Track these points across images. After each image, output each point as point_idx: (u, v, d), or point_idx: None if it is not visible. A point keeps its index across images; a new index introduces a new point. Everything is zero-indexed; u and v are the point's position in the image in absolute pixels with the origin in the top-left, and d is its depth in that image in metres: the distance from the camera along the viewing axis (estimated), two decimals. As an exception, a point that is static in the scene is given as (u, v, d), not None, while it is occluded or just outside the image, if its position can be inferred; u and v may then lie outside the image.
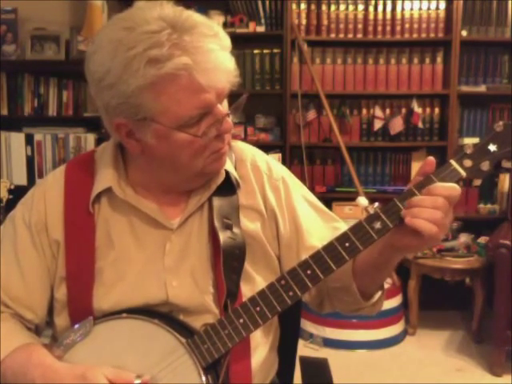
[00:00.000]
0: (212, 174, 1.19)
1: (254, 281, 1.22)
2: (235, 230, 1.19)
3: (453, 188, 1.02)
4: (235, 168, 1.25)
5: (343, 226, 1.26)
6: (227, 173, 1.21)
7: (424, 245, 1.04)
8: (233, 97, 1.14)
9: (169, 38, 1.03)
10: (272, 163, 1.31)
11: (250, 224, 1.22)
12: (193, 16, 1.08)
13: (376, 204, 1.06)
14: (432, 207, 1.00)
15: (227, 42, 1.10)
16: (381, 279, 1.18)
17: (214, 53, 1.06)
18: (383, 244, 1.07)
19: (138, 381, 1.09)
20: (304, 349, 3.36)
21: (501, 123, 1.04)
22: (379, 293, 1.21)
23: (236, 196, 1.22)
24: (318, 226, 1.28)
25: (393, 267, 1.15)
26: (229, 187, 1.22)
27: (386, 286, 1.23)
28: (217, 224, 1.18)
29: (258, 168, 1.27)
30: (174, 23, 1.05)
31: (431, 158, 1.06)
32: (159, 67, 1.02)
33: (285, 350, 1.38)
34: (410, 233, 1.01)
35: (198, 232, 1.21)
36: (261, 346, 1.25)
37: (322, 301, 1.28)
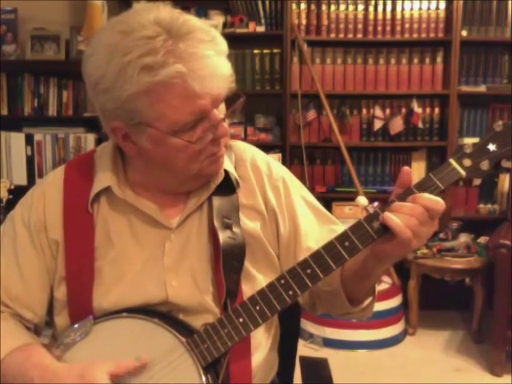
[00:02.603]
0: (209, 177, 1.20)
1: (255, 279, 1.22)
2: (235, 229, 1.19)
3: (436, 201, 1.02)
4: (235, 167, 1.25)
5: (340, 229, 1.26)
6: (227, 172, 1.21)
7: (397, 251, 1.04)
8: (230, 98, 1.14)
9: (163, 45, 1.02)
10: (272, 163, 1.31)
11: (250, 223, 1.22)
12: (190, 21, 1.07)
13: (376, 203, 1.06)
14: (409, 214, 1.01)
15: (224, 46, 1.10)
16: (367, 287, 1.19)
17: (209, 59, 1.05)
18: (366, 253, 1.08)
19: (138, 362, 1.10)
20: (304, 349, 3.36)
21: (500, 123, 1.05)
22: (369, 299, 1.22)
23: (236, 195, 1.22)
24: (315, 227, 1.28)
25: (377, 277, 1.16)
26: (229, 187, 1.22)
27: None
28: (216, 223, 1.18)
29: (258, 168, 1.27)
30: (169, 28, 1.04)
31: (406, 168, 1.06)
32: (153, 74, 1.02)
33: (285, 349, 1.38)
34: (387, 239, 1.03)
35: (197, 231, 1.21)
36: (261, 346, 1.25)
37: (314, 303, 1.29)
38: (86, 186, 1.21)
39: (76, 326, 1.15)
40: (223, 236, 1.17)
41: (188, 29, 1.05)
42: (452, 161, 1.05)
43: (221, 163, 1.18)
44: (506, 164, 1.04)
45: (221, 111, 1.12)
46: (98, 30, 1.16)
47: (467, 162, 1.05)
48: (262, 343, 1.26)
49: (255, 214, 1.24)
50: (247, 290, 1.18)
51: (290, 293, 1.08)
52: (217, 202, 1.20)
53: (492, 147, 1.05)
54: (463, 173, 1.04)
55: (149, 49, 1.02)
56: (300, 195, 1.30)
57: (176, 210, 1.22)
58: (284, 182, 1.28)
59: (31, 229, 1.21)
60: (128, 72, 1.03)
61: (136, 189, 1.21)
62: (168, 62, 1.02)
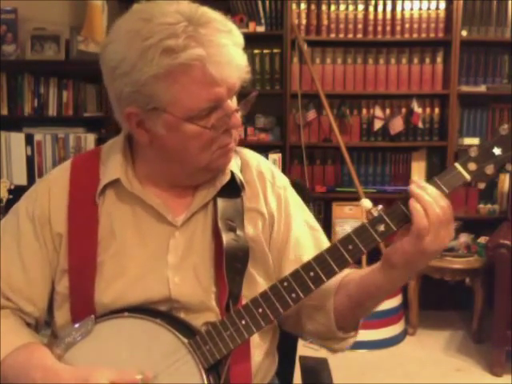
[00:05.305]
0: (217, 170, 1.21)
1: (257, 283, 1.22)
2: (239, 232, 1.19)
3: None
4: (241, 171, 1.26)
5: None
6: (233, 175, 1.22)
7: (412, 248, 1.03)
8: (240, 95, 1.16)
9: (185, 30, 1.05)
10: (276, 172, 1.32)
11: (252, 229, 1.23)
12: (208, 12, 1.11)
13: (380, 206, 1.06)
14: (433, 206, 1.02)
15: (240, 39, 1.12)
16: (364, 309, 1.18)
17: (227, 47, 1.08)
18: (379, 264, 1.09)
19: (140, 377, 1.09)
20: (304, 349, 3.33)
21: (506, 126, 1.04)
22: (352, 333, 1.22)
23: (240, 199, 1.23)
24: (307, 242, 1.28)
25: (380, 295, 1.15)
26: (234, 190, 1.23)
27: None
28: (220, 225, 1.18)
29: (263, 174, 1.28)
30: (190, 17, 1.07)
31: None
32: (174, 57, 1.04)
33: (285, 350, 1.38)
34: (402, 234, 1.04)
35: (201, 231, 1.21)
36: (261, 346, 1.25)
37: (299, 319, 1.26)
38: (92, 180, 1.21)
39: (77, 325, 1.15)
40: (227, 238, 1.17)
41: (207, 19, 1.09)
42: (457, 165, 1.05)
43: (230, 157, 1.20)
44: (509, 167, 1.03)
45: (234, 103, 1.14)
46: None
47: (472, 166, 1.04)
48: (261, 343, 1.25)
49: (257, 215, 1.25)
50: (248, 294, 1.17)
51: (293, 296, 1.09)
52: (221, 203, 1.21)
53: (497, 151, 1.04)
54: (468, 177, 1.04)
55: (170, 33, 1.04)
56: (299, 208, 1.31)
57: (181, 205, 1.22)
58: (286, 192, 1.30)
59: (35, 222, 1.21)
60: (148, 55, 1.05)
61: (143, 183, 1.21)
62: (189, 46, 1.04)
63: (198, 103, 1.08)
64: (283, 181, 1.32)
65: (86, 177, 1.23)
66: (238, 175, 1.23)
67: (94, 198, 1.20)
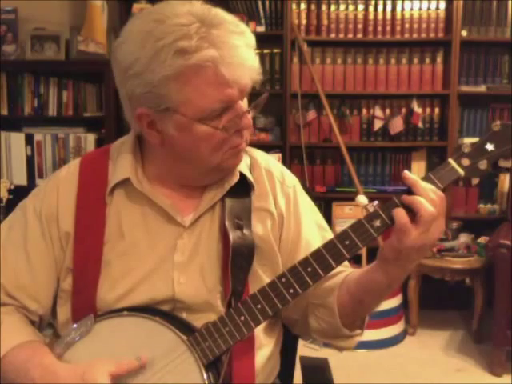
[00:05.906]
0: (228, 171, 1.21)
1: (263, 282, 1.21)
2: (246, 231, 1.20)
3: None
4: (250, 171, 1.26)
5: None
6: (242, 175, 1.22)
7: (400, 242, 1.04)
8: (250, 95, 1.17)
9: (197, 31, 1.06)
10: (286, 172, 1.33)
11: (261, 227, 1.23)
12: (221, 13, 1.11)
13: (375, 202, 1.07)
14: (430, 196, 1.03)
15: (252, 40, 1.13)
16: (366, 307, 1.18)
17: (239, 49, 1.08)
18: (377, 260, 1.10)
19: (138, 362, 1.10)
20: (304, 349, 3.35)
21: (498, 123, 1.07)
22: (358, 331, 1.22)
23: (249, 199, 1.24)
24: (317, 243, 1.27)
25: (380, 293, 1.15)
26: (242, 190, 1.23)
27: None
28: (228, 224, 1.19)
29: (272, 174, 1.29)
30: (203, 18, 1.08)
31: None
32: (186, 58, 1.05)
33: (285, 350, 1.37)
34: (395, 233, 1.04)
35: (208, 231, 1.22)
36: (265, 346, 1.25)
37: (306, 320, 1.27)
38: (101, 179, 1.22)
39: (76, 324, 1.15)
40: (233, 236, 1.18)
41: (220, 20, 1.09)
42: (451, 160, 1.07)
43: (241, 157, 1.20)
44: (503, 163, 1.05)
45: (245, 104, 1.14)
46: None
47: (466, 162, 1.06)
48: (265, 343, 1.26)
49: (266, 214, 1.25)
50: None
51: (291, 291, 1.09)
52: (229, 203, 1.21)
53: (490, 147, 1.06)
54: (462, 172, 1.06)
55: (183, 34, 1.05)
56: (309, 207, 1.32)
57: (189, 205, 1.23)
58: (295, 191, 1.30)
59: (42, 220, 1.22)
60: (161, 56, 1.05)
61: (152, 183, 1.22)
62: (202, 47, 1.05)
63: (210, 104, 1.09)
64: (293, 180, 1.32)
65: (95, 176, 1.24)
66: (248, 175, 1.24)
67: (103, 197, 1.21)
